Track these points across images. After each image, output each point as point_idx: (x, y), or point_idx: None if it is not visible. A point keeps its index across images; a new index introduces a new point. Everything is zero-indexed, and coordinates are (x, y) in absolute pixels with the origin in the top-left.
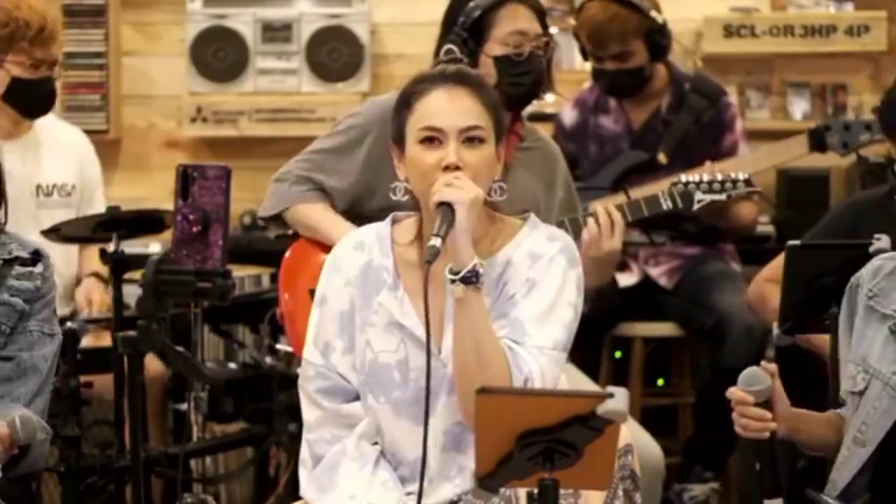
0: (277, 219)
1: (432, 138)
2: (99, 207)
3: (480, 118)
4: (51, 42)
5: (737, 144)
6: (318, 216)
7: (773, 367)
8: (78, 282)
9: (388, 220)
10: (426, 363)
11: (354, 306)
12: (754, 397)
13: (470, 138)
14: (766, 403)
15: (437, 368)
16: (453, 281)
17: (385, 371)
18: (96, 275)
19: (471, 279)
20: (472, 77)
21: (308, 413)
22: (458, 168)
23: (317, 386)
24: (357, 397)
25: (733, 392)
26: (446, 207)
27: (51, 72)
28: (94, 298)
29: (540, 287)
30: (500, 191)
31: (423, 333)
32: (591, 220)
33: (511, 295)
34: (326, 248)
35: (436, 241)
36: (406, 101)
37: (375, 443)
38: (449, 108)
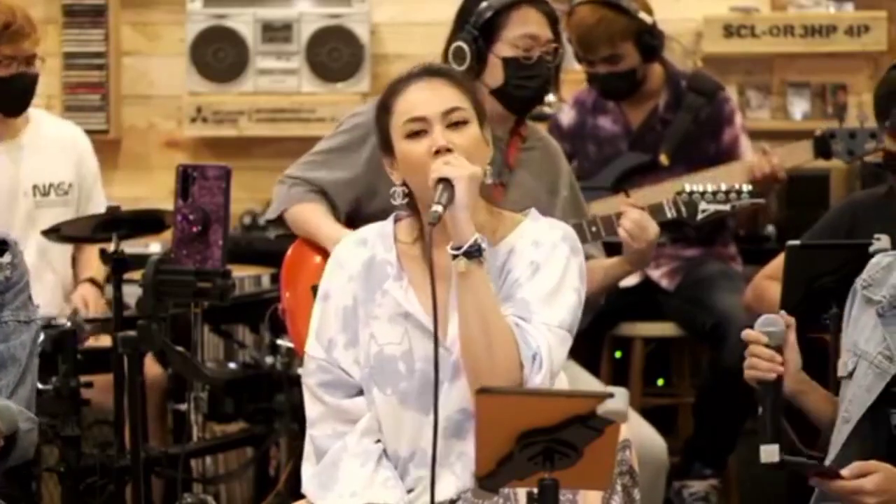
0: (280, 221)
1: (417, 130)
2: (98, 202)
3: (459, 100)
4: (20, 38)
5: (737, 139)
6: (314, 217)
7: (791, 318)
8: (75, 286)
9: (391, 218)
10: (433, 339)
11: (358, 301)
12: (768, 339)
13: (454, 121)
14: (778, 350)
15: (442, 356)
16: (455, 256)
17: (390, 363)
18: (92, 280)
19: (473, 253)
20: (442, 67)
21: (311, 408)
22: (448, 150)
23: (318, 380)
24: (359, 392)
25: (748, 332)
26: (445, 183)
27: (27, 67)
28: (90, 302)
29: (544, 270)
30: (490, 173)
31: (428, 322)
32: (624, 221)
33: (516, 279)
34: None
35: (437, 208)
36: (384, 106)
37: (378, 440)
38: (426, 96)
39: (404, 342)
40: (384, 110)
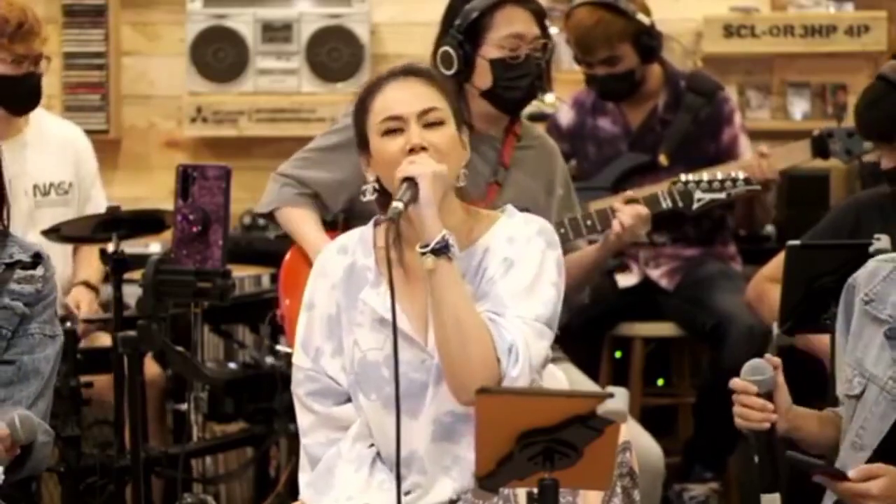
0: (271, 216)
1: (394, 128)
2: (97, 202)
3: (436, 101)
4: (32, 37)
5: (736, 139)
6: (301, 223)
7: (777, 360)
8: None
9: (371, 222)
10: (393, 336)
11: (341, 308)
12: (757, 387)
13: (430, 121)
14: (768, 395)
15: (424, 360)
16: (423, 253)
17: (374, 368)
18: (86, 283)
19: (441, 250)
20: (422, 68)
21: (302, 418)
22: (423, 149)
23: (307, 389)
24: (348, 399)
25: (736, 382)
26: (409, 181)
27: (35, 67)
28: (83, 305)
29: (518, 266)
30: (463, 176)
31: (409, 327)
32: (619, 216)
33: (490, 276)
34: None
35: (398, 204)
36: (362, 105)
37: (371, 444)
38: (404, 95)
39: (386, 347)
40: (361, 108)
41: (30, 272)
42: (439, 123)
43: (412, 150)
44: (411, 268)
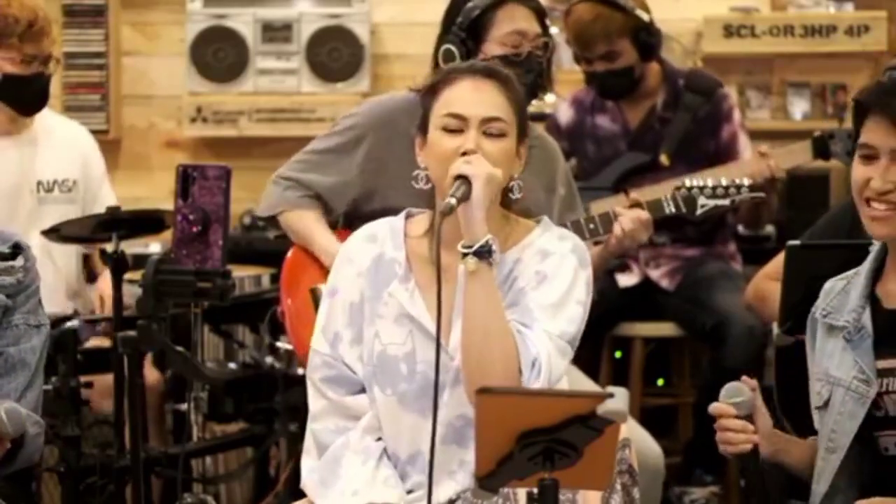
0: (273, 219)
1: (454, 127)
2: (105, 202)
3: (503, 112)
4: (41, 37)
5: (736, 136)
6: (308, 226)
7: (754, 382)
8: (88, 278)
9: (402, 214)
10: (436, 343)
11: (364, 297)
12: (736, 410)
13: (491, 131)
14: (748, 418)
15: (443, 362)
16: (466, 254)
17: (392, 363)
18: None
19: (484, 253)
20: (501, 73)
21: (314, 403)
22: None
23: (322, 375)
24: (362, 390)
25: (715, 406)
26: (463, 179)
27: (44, 67)
28: (106, 296)
29: (550, 281)
30: (518, 188)
31: (433, 326)
32: (621, 220)
33: (521, 287)
34: None
35: (451, 200)
36: (433, 90)
37: (379, 438)
38: (473, 97)
39: (408, 343)
40: (431, 92)
41: (9, 263)
42: (499, 135)
43: (464, 154)
44: (443, 267)
